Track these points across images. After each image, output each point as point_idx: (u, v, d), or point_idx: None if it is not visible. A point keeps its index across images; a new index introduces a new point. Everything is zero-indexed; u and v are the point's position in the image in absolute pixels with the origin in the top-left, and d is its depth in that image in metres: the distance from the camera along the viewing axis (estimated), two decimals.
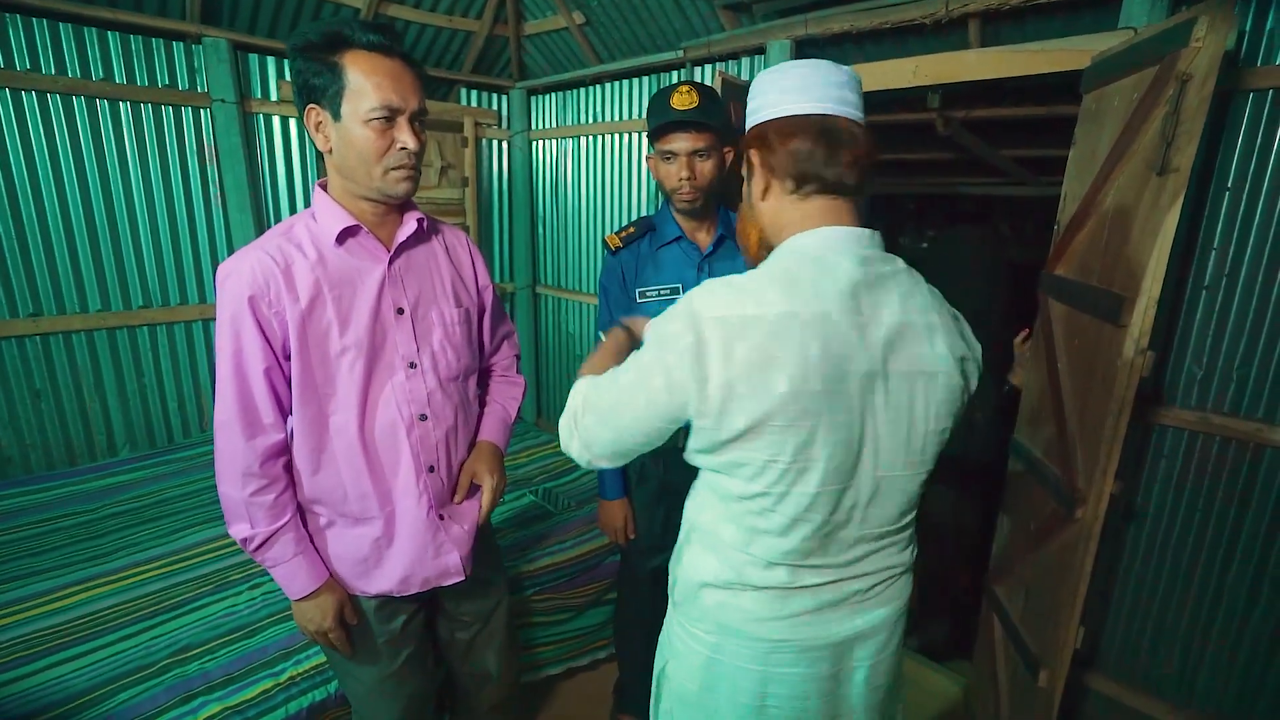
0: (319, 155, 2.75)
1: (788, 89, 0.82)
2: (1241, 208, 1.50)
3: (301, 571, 1.06)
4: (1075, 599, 1.35)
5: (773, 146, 0.83)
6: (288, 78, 2.65)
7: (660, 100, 1.38)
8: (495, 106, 3.39)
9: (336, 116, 0.98)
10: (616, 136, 3.01)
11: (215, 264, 2.59)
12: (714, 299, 0.79)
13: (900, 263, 0.85)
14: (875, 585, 0.89)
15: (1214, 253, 1.55)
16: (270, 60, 2.61)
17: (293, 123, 2.70)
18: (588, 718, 1.89)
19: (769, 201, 0.86)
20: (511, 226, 3.59)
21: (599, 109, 3.07)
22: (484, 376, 1.37)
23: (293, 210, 2.75)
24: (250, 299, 0.98)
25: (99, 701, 1.26)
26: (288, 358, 1.03)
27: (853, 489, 0.82)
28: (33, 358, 2.27)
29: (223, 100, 2.46)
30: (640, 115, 2.88)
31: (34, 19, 2.11)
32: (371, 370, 1.08)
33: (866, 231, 0.83)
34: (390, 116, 0.98)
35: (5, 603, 1.57)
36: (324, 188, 1.07)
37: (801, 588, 0.86)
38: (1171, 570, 1.71)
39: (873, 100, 2.04)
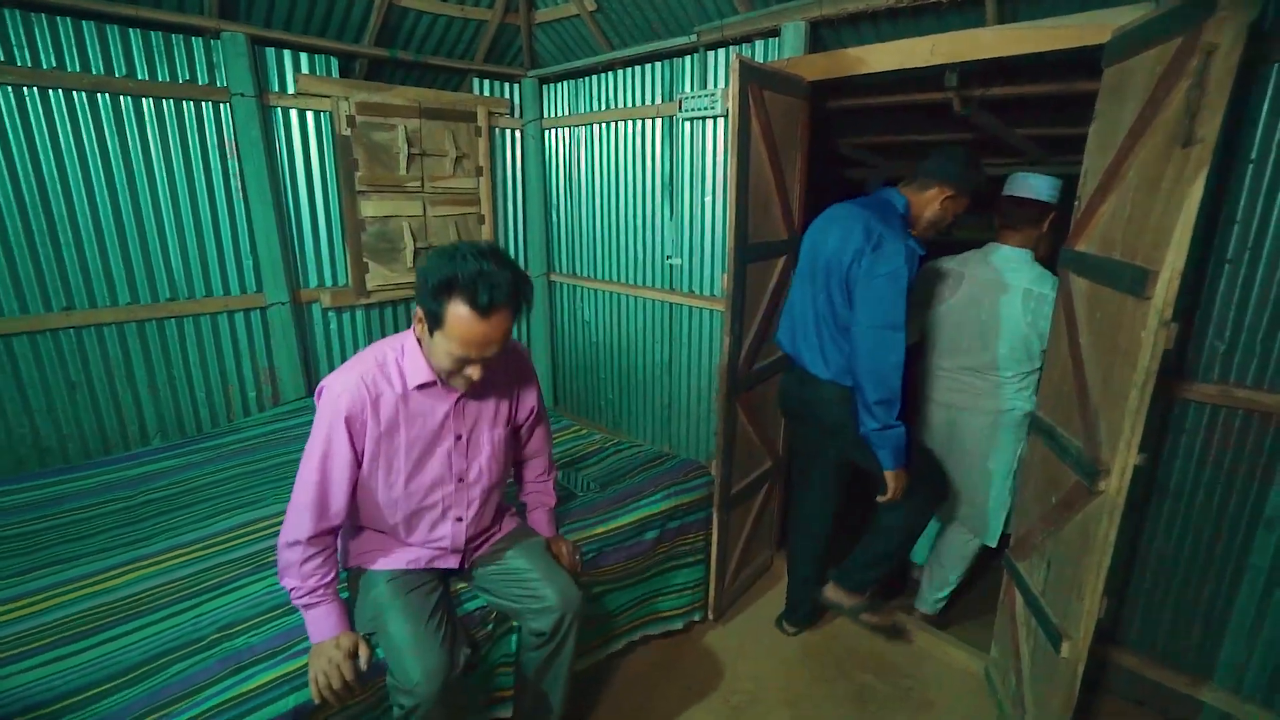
0: (337, 147, 2.78)
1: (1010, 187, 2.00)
2: (1265, 181, 1.50)
3: (329, 619, 1.32)
4: (1099, 571, 1.37)
5: (998, 205, 2.00)
6: (305, 70, 2.68)
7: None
8: (508, 95, 3.40)
9: (431, 332, 1.24)
10: (629, 123, 3.01)
11: (238, 255, 2.63)
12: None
13: (1005, 258, 1.97)
14: (966, 394, 2.03)
15: (1236, 226, 1.55)
16: (287, 54, 2.63)
17: (310, 115, 2.72)
18: (621, 703, 1.94)
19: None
20: (525, 215, 3.61)
21: (611, 96, 3.08)
22: (519, 473, 1.72)
23: (311, 206, 2.80)
24: (347, 418, 1.29)
25: (154, 673, 1.31)
26: (360, 460, 1.34)
27: (958, 336, 2.02)
28: (67, 350, 2.33)
29: (242, 94, 2.49)
30: (654, 100, 2.88)
31: (58, 17, 2.14)
32: (426, 482, 1.41)
33: (995, 244, 2.00)
34: (464, 361, 1.25)
35: (53, 584, 1.62)
36: (416, 336, 1.33)
37: (939, 374, 2.10)
38: (1193, 544, 1.72)
39: (890, 80, 2.05)
